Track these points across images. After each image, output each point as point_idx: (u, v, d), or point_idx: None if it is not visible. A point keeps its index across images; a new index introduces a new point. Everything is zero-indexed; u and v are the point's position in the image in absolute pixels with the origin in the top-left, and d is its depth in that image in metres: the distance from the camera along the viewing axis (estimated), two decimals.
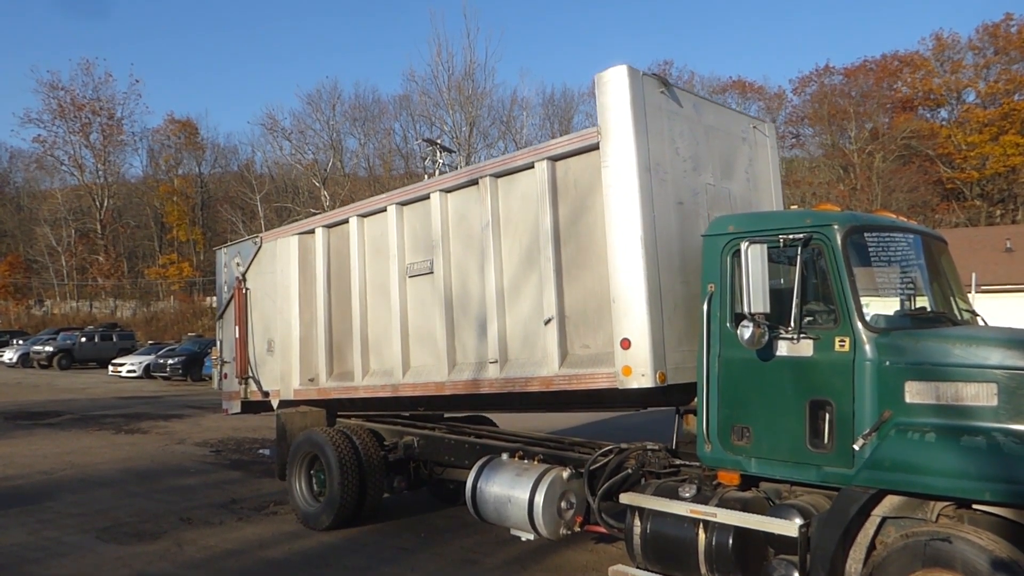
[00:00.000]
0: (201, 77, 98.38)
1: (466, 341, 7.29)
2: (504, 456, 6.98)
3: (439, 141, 36.46)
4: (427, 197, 7.66)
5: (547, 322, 6.38)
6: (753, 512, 5.08)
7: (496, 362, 6.84)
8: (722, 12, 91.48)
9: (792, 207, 6.26)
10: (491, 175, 6.99)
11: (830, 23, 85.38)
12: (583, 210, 6.26)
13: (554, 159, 6.45)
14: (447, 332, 7.39)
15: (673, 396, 5.89)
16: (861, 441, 4.61)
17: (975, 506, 4.42)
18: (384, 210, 8.19)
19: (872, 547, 4.64)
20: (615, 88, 5.82)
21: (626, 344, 5.63)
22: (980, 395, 4.41)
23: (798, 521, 4.80)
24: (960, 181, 50.74)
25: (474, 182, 7.17)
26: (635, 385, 5.60)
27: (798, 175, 54.86)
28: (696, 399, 5.57)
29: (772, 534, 4.93)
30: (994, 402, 4.37)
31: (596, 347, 6.14)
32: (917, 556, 4.29)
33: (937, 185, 51.02)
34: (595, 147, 6.00)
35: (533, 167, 6.59)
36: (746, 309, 4.85)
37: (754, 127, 7.23)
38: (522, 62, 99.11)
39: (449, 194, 7.49)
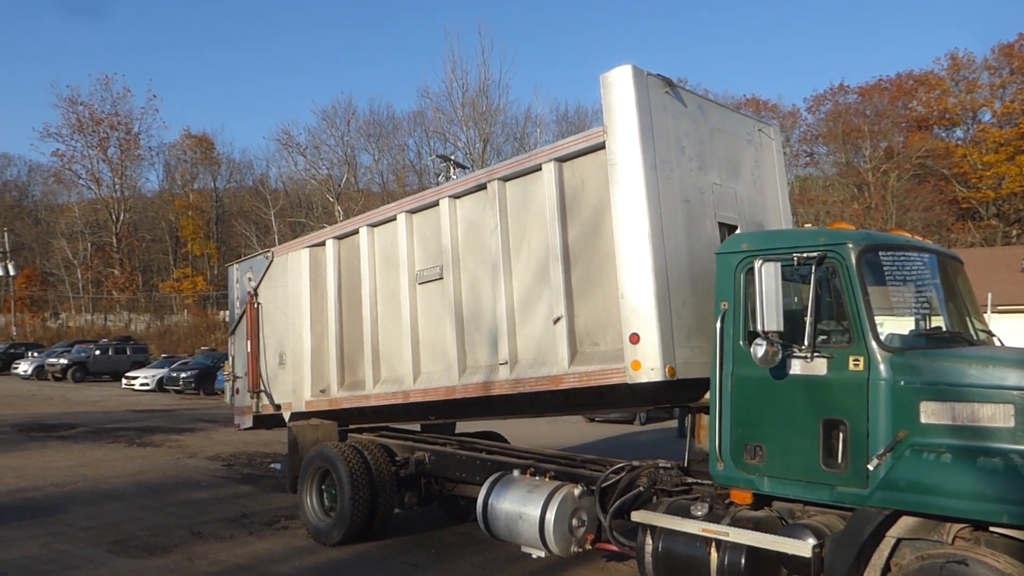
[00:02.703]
0: (217, 93, 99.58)
1: (476, 344, 7.32)
2: (515, 473, 6.96)
3: (453, 157, 36.65)
4: (436, 204, 7.73)
5: (556, 321, 6.40)
6: (766, 531, 5.05)
7: (506, 363, 6.86)
8: (737, 30, 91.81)
9: (806, 226, 6.25)
10: (499, 179, 7.04)
11: (844, 42, 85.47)
12: (591, 210, 6.29)
13: (561, 160, 6.50)
14: (457, 336, 7.41)
15: (682, 393, 5.90)
16: (875, 461, 4.57)
17: (992, 529, 4.36)
18: (394, 219, 8.26)
19: (887, 569, 4.59)
20: (620, 87, 5.88)
21: (635, 339, 5.64)
22: (997, 416, 4.38)
23: (811, 541, 4.76)
24: (976, 201, 50.44)
25: (482, 187, 7.22)
26: (644, 379, 5.60)
27: (812, 193, 54.68)
28: (707, 395, 5.56)
29: (785, 554, 4.90)
30: (1011, 423, 4.33)
31: (605, 344, 6.16)
32: None
33: (952, 205, 50.74)
34: (601, 146, 6.05)
35: (541, 169, 6.63)
36: (759, 327, 4.84)
37: (759, 130, 7.27)
38: (536, 79, 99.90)
39: (458, 200, 7.55)
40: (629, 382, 5.73)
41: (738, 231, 6.56)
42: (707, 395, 5.62)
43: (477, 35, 78.20)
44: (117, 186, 65.40)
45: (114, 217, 63.95)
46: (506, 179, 7.03)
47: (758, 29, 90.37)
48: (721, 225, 6.42)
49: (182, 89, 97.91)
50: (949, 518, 4.41)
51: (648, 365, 5.58)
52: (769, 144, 7.31)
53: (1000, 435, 4.35)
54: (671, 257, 5.78)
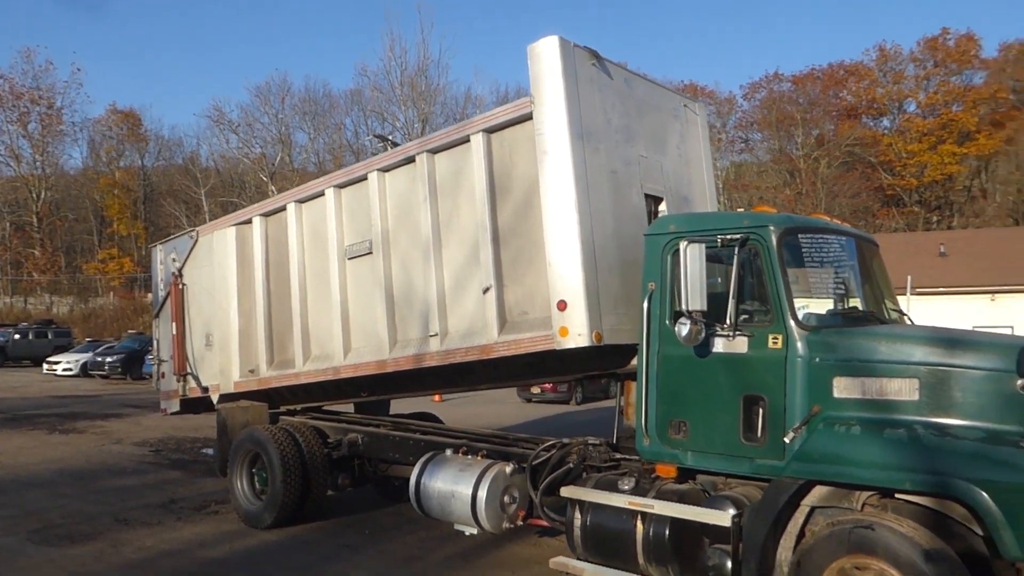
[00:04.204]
0: (145, 67, 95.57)
1: (406, 318, 7.33)
2: (448, 452, 7.00)
3: (391, 137, 36.26)
4: (364, 178, 7.68)
5: (485, 291, 6.47)
6: (689, 503, 5.21)
7: (437, 335, 6.90)
8: (676, 17, 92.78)
9: (739, 210, 6.41)
10: (428, 151, 7.03)
11: (780, 31, 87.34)
12: (521, 187, 6.35)
13: (490, 131, 6.53)
14: (387, 311, 7.41)
15: (609, 359, 6.08)
16: (791, 434, 4.76)
17: (898, 495, 4.60)
18: (322, 194, 8.18)
19: (802, 535, 4.79)
20: (547, 57, 5.94)
21: (562, 305, 5.75)
22: (903, 390, 4.61)
23: (731, 512, 4.93)
24: (900, 188, 52.51)
25: (411, 159, 7.22)
26: (572, 345, 5.72)
27: (747, 179, 56.07)
28: (634, 360, 5.71)
29: (707, 524, 5.07)
30: (916, 396, 4.57)
31: (534, 312, 6.26)
32: (842, 543, 4.44)
33: (878, 191, 52.73)
34: (529, 116, 6.11)
35: (469, 140, 6.65)
36: (684, 307, 4.96)
37: (685, 105, 7.42)
38: (476, 60, 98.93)
39: (387, 173, 7.52)
40: (557, 348, 5.84)
41: (663, 204, 6.71)
42: (634, 361, 5.77)
43: (416, 13, 77.31)
44: (38, 163, 62.42)
45: (35, 195, 61.08)
46: (435, 151, 7.02)
47: (697, 16, 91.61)
48: (647, 197, 6.56)
49: (108, 63, 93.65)
50: (859, 486, 4.63)
51: (575, 331, 5.70)
52: (694, 120, 7.47)
53: (906, 408, 4.57)
54: (597, 226, 5.89)
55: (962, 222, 49.22)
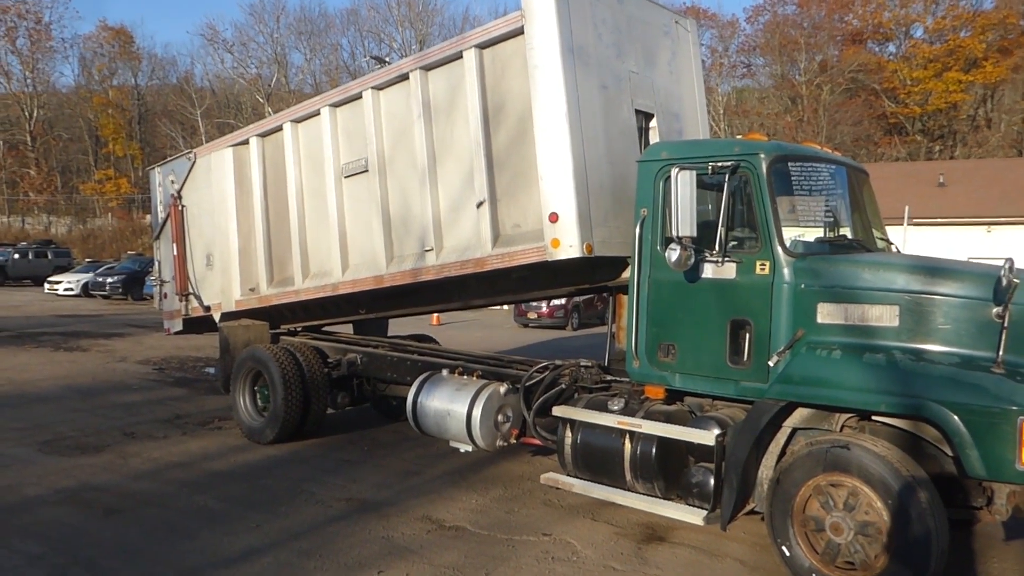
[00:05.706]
0: None
1: (403, 235, 7.45)
2: (444, 372, 7.19)
3: (388, 59, 35.54)
4: (359, 96, 7.68)
5: (479, 205, 6.56)
6: (676, 424, 5.41)
7: (432, 250, 7.03)
8: None
9: (738, 137, 6.44)
10: (421, 68, 7.03)
11: None
12: (513, 99, 6.38)
13: (482, 46, 6.53)
14: (384, 227, 7.51)
15: (601, 272, 6.24)
16: (776, 358, 4.92)
17: (875, 418, 4.81)
18: (318, 113, 8.17)
19: (783, 455, 5.02)
20: None
21: (554, 218, 5.87)
22: (884, 316, 4.75)
23: (715, 432, 5.14)
24: (903, 116, 51.71)
25: (404, 77, 7.22)
26: (563, 256, 5.86)
27: (748, 105, 55.20)
28: (625, 273, 5.89)
29: (692, 443, 5.29)
30: (896, 323, 4.71)
31: (527, 225, 6.37)
32: (819, 461, 4.67)
33: (881, 119, 51.92)
34: (520, 31, 6.11)
35: (462, 56, 6.65)
36: (673, 232, 5.06)
37: (676, 22, 7.38)
38: None
39: (381, 91, 7.53)
40: (549, 260, 5.97)
41: (655, 120, 6.76)
42: (625, 274, 5.93)
43: None
44: (29, 80, 61.34)
45: (27, 113, 60.22)
46: (428, 68, 7.01)
47: None
48: (638, 113, 6.60)
49: None
50: (838, 408, 4.83)
51: (567, 243, 5.82)
52: (686, 37, 7.43)
53: (885, 333, 4.73)
54: (588, 140, 5.95)
55: (964, 152, 48.70)
